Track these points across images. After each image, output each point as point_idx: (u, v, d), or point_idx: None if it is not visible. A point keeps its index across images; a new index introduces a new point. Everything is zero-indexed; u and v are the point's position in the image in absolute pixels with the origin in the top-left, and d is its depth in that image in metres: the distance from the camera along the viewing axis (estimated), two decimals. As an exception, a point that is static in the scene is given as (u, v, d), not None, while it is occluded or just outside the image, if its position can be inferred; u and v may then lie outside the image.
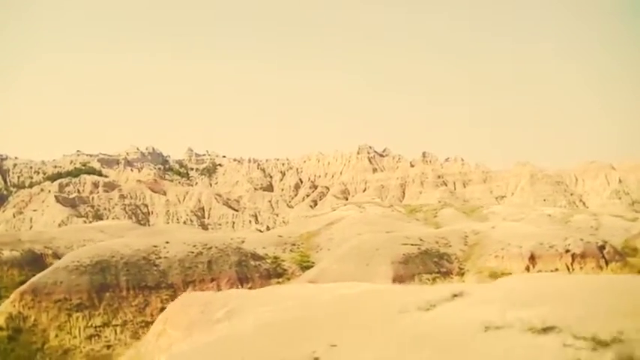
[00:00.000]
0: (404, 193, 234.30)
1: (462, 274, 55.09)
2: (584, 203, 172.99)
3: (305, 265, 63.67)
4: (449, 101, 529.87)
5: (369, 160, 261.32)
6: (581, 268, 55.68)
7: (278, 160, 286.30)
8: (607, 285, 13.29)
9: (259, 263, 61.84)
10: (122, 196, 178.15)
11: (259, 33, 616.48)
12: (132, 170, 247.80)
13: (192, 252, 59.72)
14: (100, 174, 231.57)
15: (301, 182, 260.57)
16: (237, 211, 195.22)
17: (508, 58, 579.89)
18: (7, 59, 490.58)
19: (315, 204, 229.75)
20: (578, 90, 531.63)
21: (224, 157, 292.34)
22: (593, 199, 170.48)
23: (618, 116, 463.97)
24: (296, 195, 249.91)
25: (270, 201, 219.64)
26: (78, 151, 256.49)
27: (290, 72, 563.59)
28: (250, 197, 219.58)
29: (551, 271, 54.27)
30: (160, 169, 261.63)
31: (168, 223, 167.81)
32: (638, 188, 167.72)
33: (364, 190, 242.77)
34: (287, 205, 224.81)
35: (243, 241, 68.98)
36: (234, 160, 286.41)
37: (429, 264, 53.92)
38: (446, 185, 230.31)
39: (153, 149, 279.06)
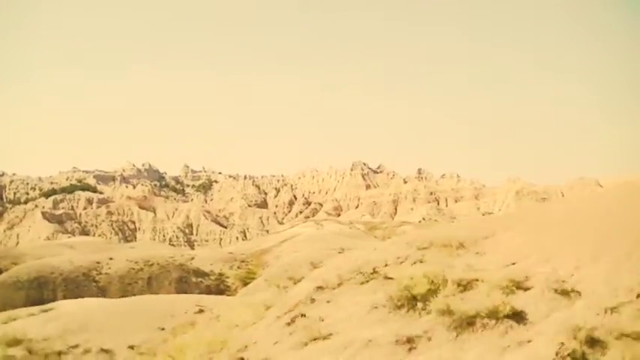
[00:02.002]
0: (396, 210, 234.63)
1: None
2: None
3: (249, 282, 64.40)
4: (448, 117, 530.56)
5: (363, 177, 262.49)
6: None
7: (273, 176, 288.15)
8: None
9: (201, 280, 62.73)
10: (110, 213, 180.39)
11: (256, 49, 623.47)
12: (127, 187, 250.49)
13: (134, 268, 60.77)
14: (95, 190, 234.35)
15: (295, 199, 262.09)
16: (225, 227, 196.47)
17: (509, 74, 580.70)
18: (5, 75, 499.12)
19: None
20: (579, 106, 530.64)
21: (220, 173, 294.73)
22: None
23: (618, 133, 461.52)
24: (290, 211, 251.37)
25: (260, 217, 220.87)
26: (74, 167, 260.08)
27: (288, 88, 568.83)
28: (241, 214, 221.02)
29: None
30: (155, 185, 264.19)
31: (154, 239, 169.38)
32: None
33: (357, 207, 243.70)
34: (278, 221, 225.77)
35: (192, 258, 69.86)
36: (230, 176, 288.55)
37: (359, 281, 54.54)
38: (438, 202, 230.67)
39: (149, 165, 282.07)
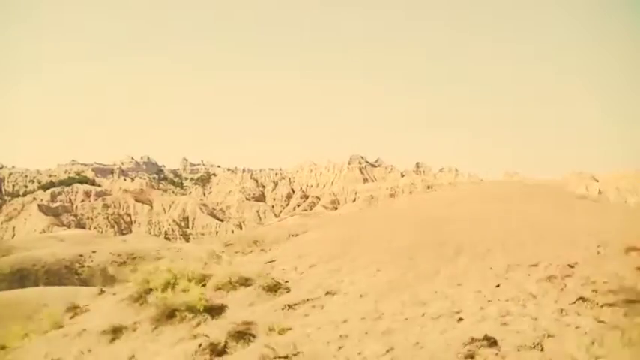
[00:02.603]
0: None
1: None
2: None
3: (231, 275, 64.86)
4: (447, 113, 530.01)
5: (360, 171, 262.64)
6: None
7: (272, 170, 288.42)
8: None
9: (183, 273, 63.29)
10: (106, 206, 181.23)
11: (255, 43, 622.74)
12: (125, 180, 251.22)
13: (117, 261, 61.34)
14: (93, 183, 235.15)
15: (293, 192, 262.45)
16: (221, 221, 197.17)
17: (509, 73, 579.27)
18: (6, 68, 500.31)
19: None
20: (578, 105, 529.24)
21: (218, 167, 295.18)
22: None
23: (616, 131, 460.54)
24: (287, 205, 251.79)
25: (257, 211, 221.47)
26: (73, 160, 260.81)
27: (286, 83, 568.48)
28: (238, 207, 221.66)
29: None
30: (154, 178, 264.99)
31: (150, 232, 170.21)
32: (615, 199, 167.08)
33: (354, 200, 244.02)
34: (275, 215, 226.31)
35: (178, 251, 70.43)
36: (229, 170, 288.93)
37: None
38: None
39: (148, 159, 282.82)
